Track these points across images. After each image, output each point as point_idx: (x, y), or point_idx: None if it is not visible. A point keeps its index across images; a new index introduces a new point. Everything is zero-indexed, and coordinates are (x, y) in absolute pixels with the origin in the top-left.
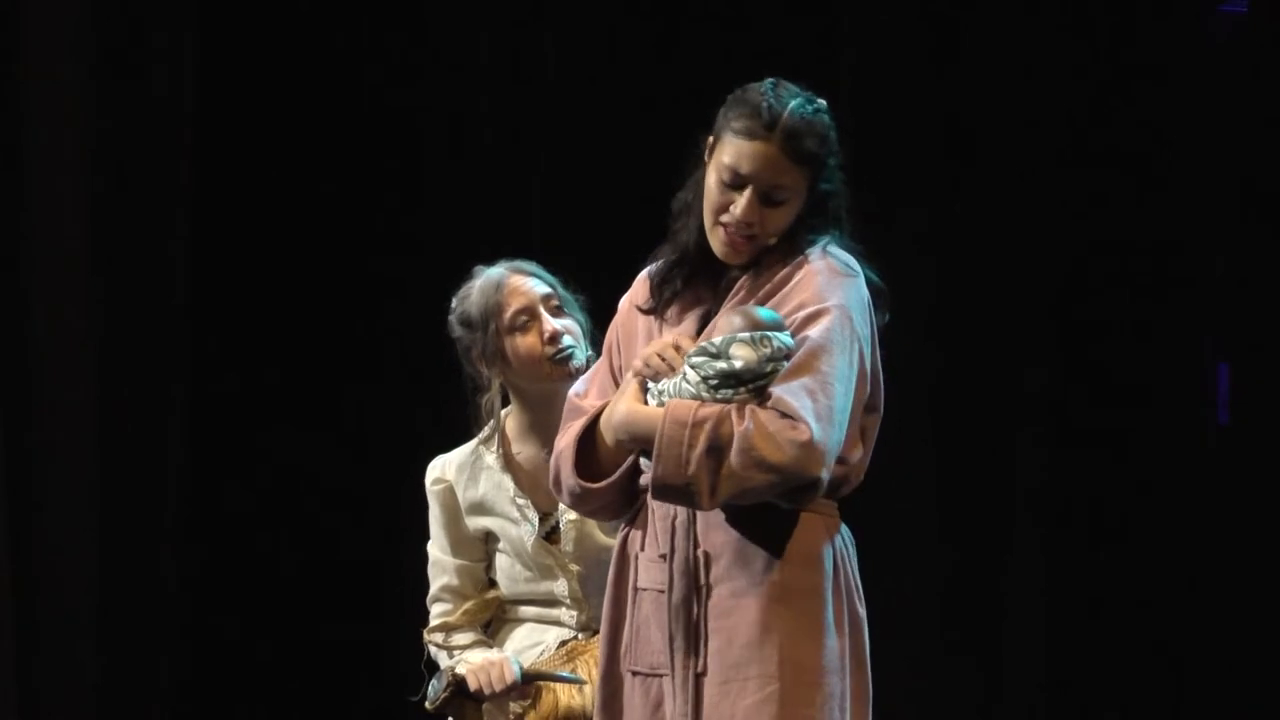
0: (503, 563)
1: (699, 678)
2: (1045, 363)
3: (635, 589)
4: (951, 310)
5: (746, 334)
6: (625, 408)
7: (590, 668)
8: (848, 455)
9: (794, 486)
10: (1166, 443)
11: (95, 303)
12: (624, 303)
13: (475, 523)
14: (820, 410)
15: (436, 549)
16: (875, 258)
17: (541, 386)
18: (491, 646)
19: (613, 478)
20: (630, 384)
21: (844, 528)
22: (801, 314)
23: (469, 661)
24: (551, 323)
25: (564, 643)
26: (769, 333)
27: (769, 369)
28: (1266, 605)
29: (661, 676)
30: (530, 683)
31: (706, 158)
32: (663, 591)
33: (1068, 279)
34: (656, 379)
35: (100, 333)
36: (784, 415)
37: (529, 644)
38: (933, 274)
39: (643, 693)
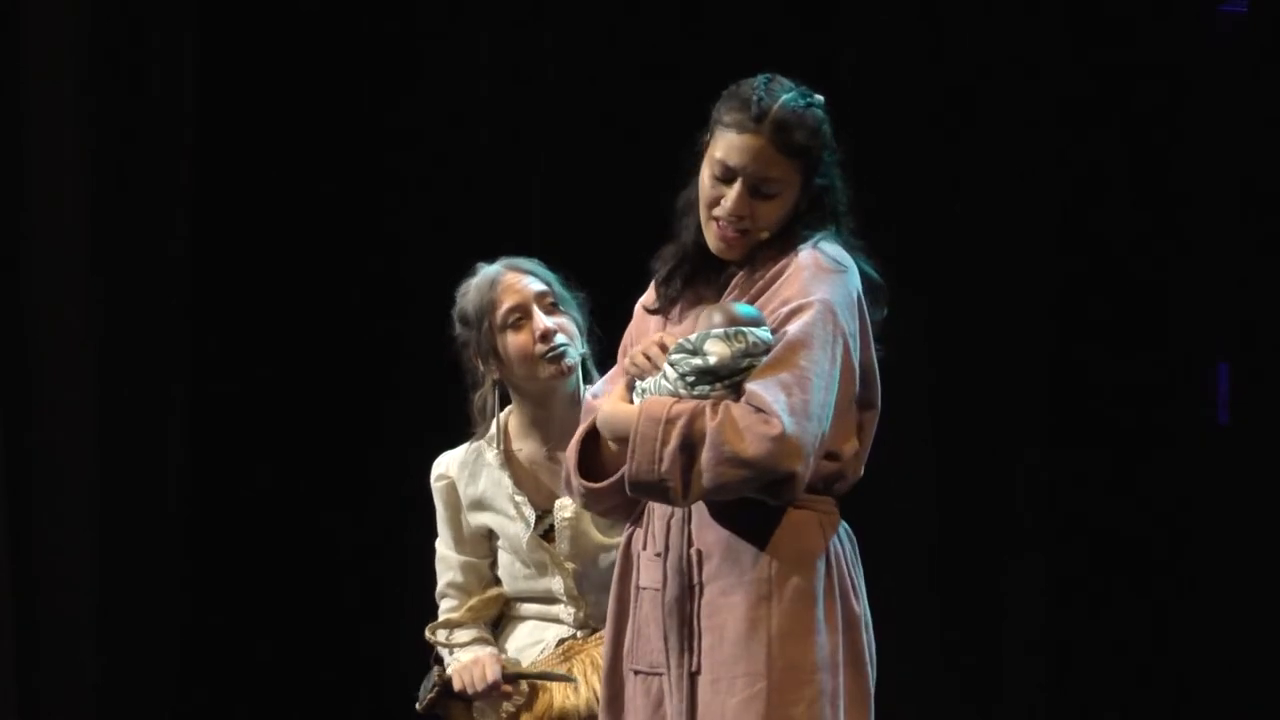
0: (504, 560)
1: (693, 676)
2: (1045, 362)
3: (637, 588)
4: (951, 310)
5: (721, 330)
6: (609, 407)
7: (586, 667)
8: (839, 450)
9: (770, 481)
10: (1166, 443)
11: (95, 303)
12: (638, 305)
13: (476, 519)
14: (794, 404)
15: (442, 545)
16: (874, 256)
17: (538, 384)
18: (490, 644)
19: (614, 478)
20: (619, 383)
21: (844, 526)
22: (784, 309)
23: (460, 661)
24: (544, 321)
25: (562, 641)
26: (744, 328)
27: (744, 364)
28: (1266, 605)
29: (661, 675)
30: (512, 681)
31: (704, 153)
32: (659, 590)
33: (1067, 279)
34: (643, 377)
35: (100, 333)
36: (757, 410)
37: (530, 642)
38: (933, 273)
39: (644, 691)
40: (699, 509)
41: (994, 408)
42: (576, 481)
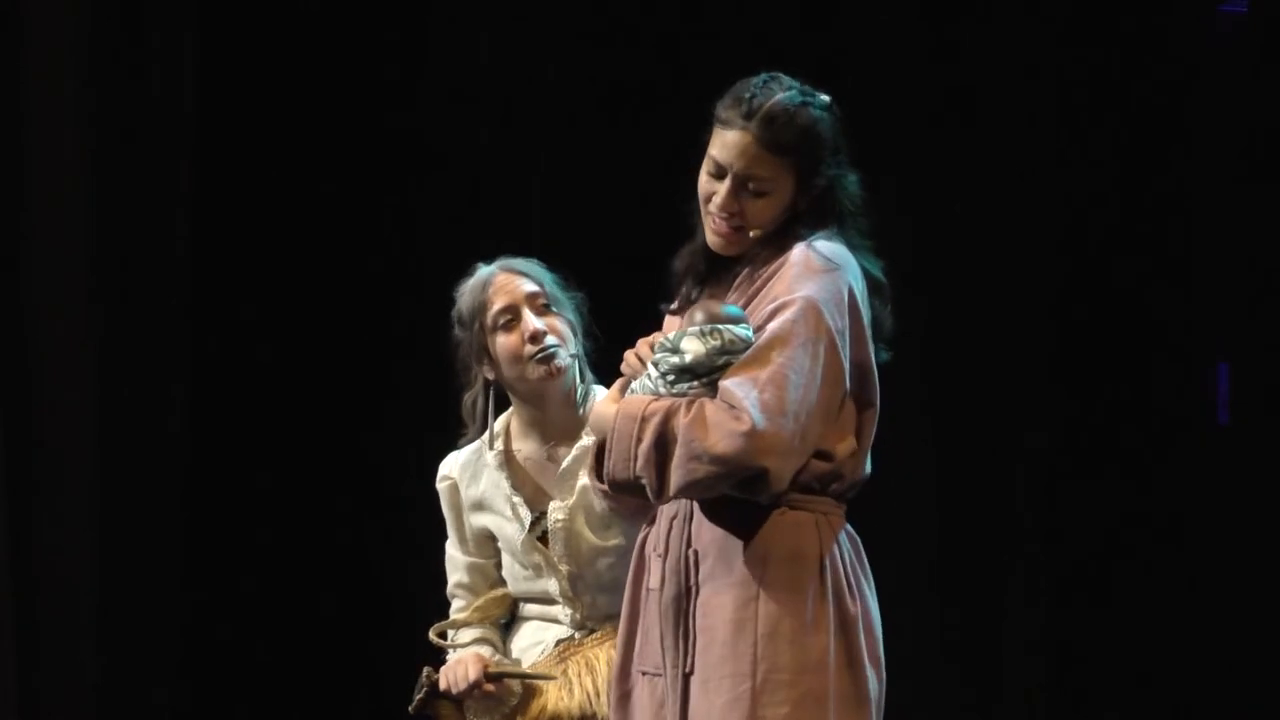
0: (505, 561)
1: (687, 677)
2: (1045, 362)
3: (647, 589)
4: (951, 309)
5: (698, 327)
6: (600, 407)
7: (580, 668)
8: (832, 450)
9: (743, 478)
10: (1167, 443)
11: (95, 303)
12: (664, 308)
13: (477, 520)
14: (766, 400)
15: (450, 546)
16: (882, 256)
17: (529, 385)
18: (491, 644)
19: None
20: (616, 384)
21: (847, 527)
22: (769, 308)
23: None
24: (533, 322)
25: (560, 642)
26: (721, 325)
27: (720, 361)
28: (1267, 605)
29: (662, 676)
30: (495, 680)
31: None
32: (660, 591)
33: (1067, 278)
34: (636, 377)
35: (100, 333)
36: (730, 406)
37: (532, 642)
38: (933, 273)
39: (649, 692)
40: (699, 510)
41: (994, 408)
42: (594, 484)
